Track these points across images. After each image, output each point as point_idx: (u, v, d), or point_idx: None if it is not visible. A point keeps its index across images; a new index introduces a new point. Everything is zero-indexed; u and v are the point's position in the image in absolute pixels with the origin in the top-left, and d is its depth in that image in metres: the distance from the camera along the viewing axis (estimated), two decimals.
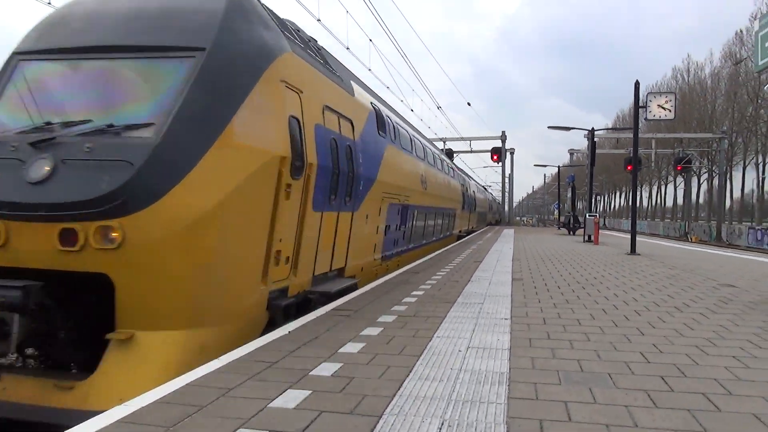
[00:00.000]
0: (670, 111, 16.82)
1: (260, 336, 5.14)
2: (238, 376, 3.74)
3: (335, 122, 7.58)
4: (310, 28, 8.32)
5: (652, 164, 54.46)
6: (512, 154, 49.05)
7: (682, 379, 3.85)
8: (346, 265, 8.50)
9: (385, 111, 11.10)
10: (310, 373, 3.84)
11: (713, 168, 53.18)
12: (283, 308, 6.04)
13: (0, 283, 4.31)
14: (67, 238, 4.44)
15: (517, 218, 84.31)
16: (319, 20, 14.23)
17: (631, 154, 18.30)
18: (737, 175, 57.07)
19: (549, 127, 29.64)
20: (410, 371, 3.92)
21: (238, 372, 3.84)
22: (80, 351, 4.83)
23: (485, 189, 54.97)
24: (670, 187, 71.44)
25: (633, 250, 15.85)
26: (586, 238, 22.55)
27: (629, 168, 23.28)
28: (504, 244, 19.09)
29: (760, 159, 53.06)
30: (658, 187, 77.94)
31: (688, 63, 63.56)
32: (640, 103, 16.58)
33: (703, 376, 3.90)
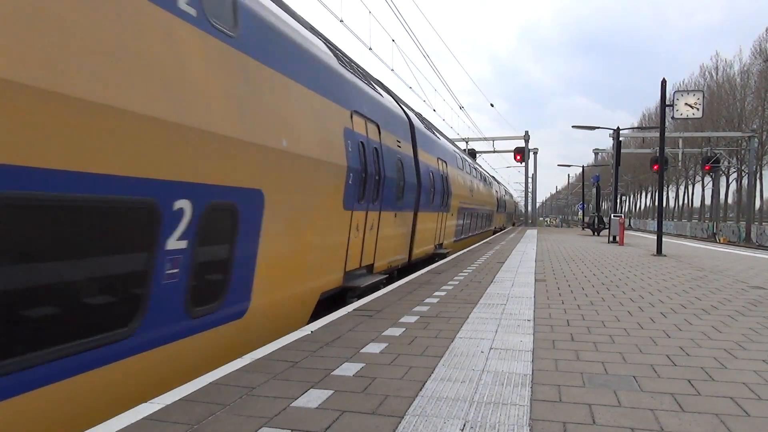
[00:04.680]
0: (698, 110, 16.51)
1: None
2: (261, 375, 3.78)
3: None
4: (332, 29, 8.38)
5: (679, 164, 53.53)
6: (535, 154, 48.63)
7: (709, 382, 3.78)
8: None
9: None
10: (332, 373, 3.86)
11: (742, 167, 52.12)
12: None
13: None
14: None
15: (541, 218, 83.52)
16: (341, 21, 14.29)
17: (658, 154, 18.01)
18: (767, 175, 55.85)
19: (573, 127, 29.36)
20: (432, 372, 3.92)
21: (261, 371, 3.88)
22: None
23: (491, 177, 35.34)
24: (698, 187, 70.27)
25: (659, 251, 15.60)
26: (611, 238, 22.25)
27: (655, 167, 22.86)
28: (527, 245, 18.93)
29: None
30: (685, 187, 76.68)
31: (717, 60, 62.62)
32: (667, 102, 16.33)
33: (731, 380, 3.83)
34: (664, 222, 17.77)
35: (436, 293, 7.56)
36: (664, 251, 15.83)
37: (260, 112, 5.10)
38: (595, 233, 29.83)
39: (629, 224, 66.63)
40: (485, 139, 45.47)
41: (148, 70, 3.68)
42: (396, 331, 5.19)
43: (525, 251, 15.93)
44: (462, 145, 42.00)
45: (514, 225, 50.12)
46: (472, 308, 6.46)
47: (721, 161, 44.16)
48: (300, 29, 6.82)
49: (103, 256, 3.33)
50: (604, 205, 78.76)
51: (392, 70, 20.32)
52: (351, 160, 7.56)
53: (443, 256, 15.33)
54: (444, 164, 15.48)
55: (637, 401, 3.36)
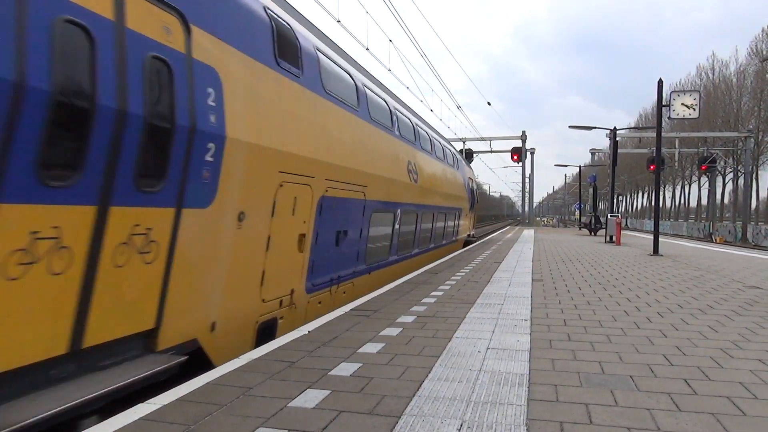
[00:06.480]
0: (694, 110, 16.53)
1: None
2: (258, 376, 3.77)
3: None
4: (330, 29, 8.39)
5: (676, 164, 53.65)
6: (533, 154, 48.64)
7: (706, 382, 3.78)
8: None
9: None
10: (330, 373, 3.86)
11: (739, 167, 52.20)
12: None
13: None
14: None
15: (538, 218, 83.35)
16: (338, 21, 14.28)
17: (654, 154, 18.05)
18: (764, 175, 56.14)
19: (570, 127, 29.30)
20: (429, 372, 3.92)
21: (258, 371, 3.87)
22: None
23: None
24: (694, 187, 70.31)
25: (656, 251, 15.63)
26: (608, 238, 22.29)
27: (652, 168, 22.86)
28: (524, 245, 18.96)
29: None
30: (681, 187, 76.79)
31: (713, 61, 62.60)
32: (664, 102, 16.35)
33: (727, 380, 3.84)
34: (660, 222, 17.87)
35: (434, 293, 7.56)
36: (660, 251, 15.86)
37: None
38: (592, 233, 29.88)
39: (626, 224, 66.67)
40: (482, 139, 45.48)
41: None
42: (393, 331, 5.19)
43: (522, 251, 15.95)
44: (459, 145, 41.99)
45: (471, 236, 23.74)
46: (469, 308, 6.46)
47: (718, 161, 44.30)
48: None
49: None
50: (601, 205, 78.83)
51: (389, 70, 20.34)
52: None
53: None
54: None
55: (633, 401, 3.37)
